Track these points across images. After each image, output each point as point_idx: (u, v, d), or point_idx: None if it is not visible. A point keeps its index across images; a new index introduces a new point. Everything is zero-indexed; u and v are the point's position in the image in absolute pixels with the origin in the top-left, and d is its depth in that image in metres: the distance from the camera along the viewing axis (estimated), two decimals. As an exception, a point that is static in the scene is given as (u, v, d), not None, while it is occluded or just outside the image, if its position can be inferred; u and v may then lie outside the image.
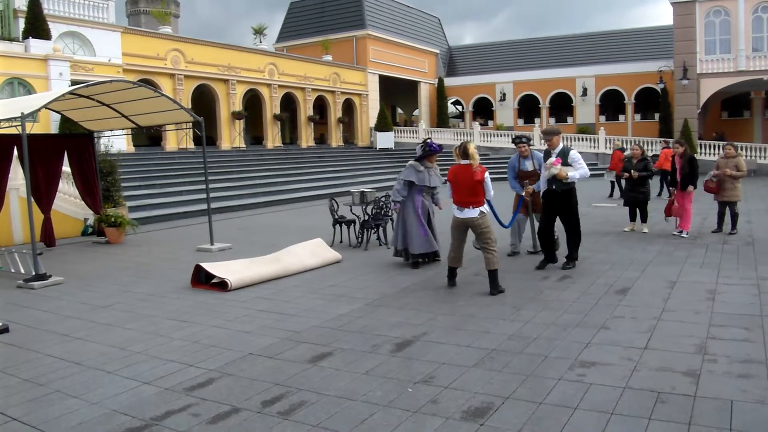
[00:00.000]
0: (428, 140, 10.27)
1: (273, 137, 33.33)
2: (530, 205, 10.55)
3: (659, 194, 22.01)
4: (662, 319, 6.59)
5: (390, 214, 12.49)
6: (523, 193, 10.42)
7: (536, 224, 10.44)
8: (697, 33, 34.26)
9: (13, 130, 10.67)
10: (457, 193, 8.18)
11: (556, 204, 9.41)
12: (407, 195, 10.07)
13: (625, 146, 26.18)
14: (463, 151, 8.15)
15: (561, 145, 9.49)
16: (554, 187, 9.30)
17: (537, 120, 43.40)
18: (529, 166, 10.61)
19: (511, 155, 12.01)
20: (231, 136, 30.70)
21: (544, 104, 43.74)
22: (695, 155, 14.81)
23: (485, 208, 8.21)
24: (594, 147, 35.59)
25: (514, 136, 11.46)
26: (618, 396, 4.62)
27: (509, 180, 10.92)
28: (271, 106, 32.86)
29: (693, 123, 34.01)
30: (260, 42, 35.81)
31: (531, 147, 10.90)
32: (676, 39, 34.87)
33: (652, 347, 5.67)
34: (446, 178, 8.51)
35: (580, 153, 9.54)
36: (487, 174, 8.11)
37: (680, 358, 5.37)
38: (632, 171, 12.69)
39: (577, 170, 9.21)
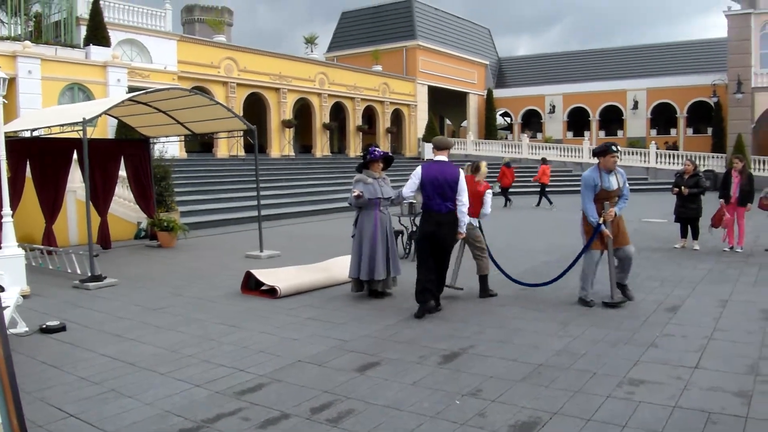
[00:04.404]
0: (370, 146, 9.29)
1: (322, 146, 33.66)
2: (610, 238, 7.91)
3: (537, 204, 24.10)
4: (713, 338, 6.48)
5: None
6: (601, 220, 7.81)
7: (614, 264, 8.06)
8: (753, 46, 33.57)
9: (73, 135, 11.05)
10: None
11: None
12: (362, 212, 8.79)
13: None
14: (476, 168, 8.86)
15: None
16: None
17: (586, 133, 42.90)
18: (614, 183, 7.96)
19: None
20: (281, 144, 31.13)
21: (594, 117, 43.29)
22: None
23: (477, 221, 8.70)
24: (645, 161, 35.08)
25: (600, 146, 8.13)
26: (667, 415, 4.56)
27: (584, 204, 8.01)
28: (321, 115, 33.22)
29: (747, 138, 33.24)
30: (311, 51, 36.28)
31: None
32: (731, 52, 34.20)
33: (702, 366, 5.58)
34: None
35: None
36: (489, 191, 8.82)
37: (731, 378, 5.28)
38: (683, 187, 12.52)
39: None
